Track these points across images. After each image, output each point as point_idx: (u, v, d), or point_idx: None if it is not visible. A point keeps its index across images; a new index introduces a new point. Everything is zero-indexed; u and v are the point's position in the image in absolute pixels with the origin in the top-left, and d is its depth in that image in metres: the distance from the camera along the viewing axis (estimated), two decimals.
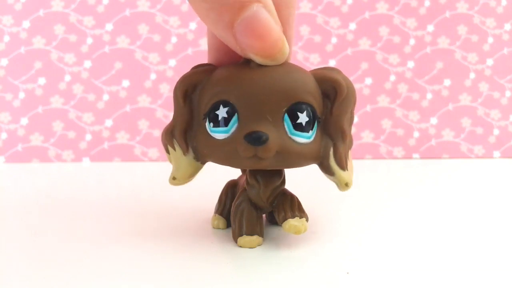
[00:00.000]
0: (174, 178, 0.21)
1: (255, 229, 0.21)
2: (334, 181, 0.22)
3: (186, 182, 0.22)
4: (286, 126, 0.19)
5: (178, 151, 0.21)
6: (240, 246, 0.21)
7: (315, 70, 0.21)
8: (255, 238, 0.21)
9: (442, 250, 0.21)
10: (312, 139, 0.20)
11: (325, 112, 0.21)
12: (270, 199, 0.21)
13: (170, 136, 0.21)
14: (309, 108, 0.20)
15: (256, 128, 0.19)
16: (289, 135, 0.19)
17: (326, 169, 0.21)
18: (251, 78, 0.19)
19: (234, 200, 0.22)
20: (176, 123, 0.21)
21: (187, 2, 0.44)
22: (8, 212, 0.27)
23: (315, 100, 0.20)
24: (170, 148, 0.21)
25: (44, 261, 0.20)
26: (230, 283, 0.18)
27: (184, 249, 0.21)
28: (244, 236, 0.21)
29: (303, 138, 0.20)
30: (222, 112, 0.19)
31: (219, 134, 0.20)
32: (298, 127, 0.19)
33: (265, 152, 0.19)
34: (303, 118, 0.19)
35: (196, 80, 0.21)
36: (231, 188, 0.24)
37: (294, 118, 0.19)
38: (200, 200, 0.29)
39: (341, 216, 0.26)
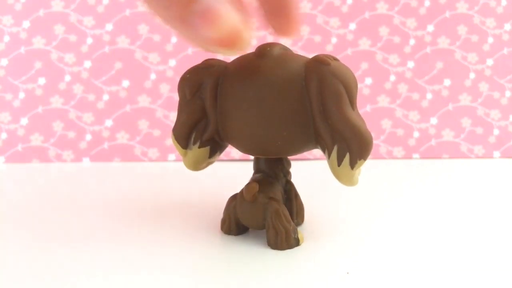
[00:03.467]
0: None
1: None
2: None
3: None
4: None
5: None
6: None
7: None
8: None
9: (442, 250, 0.21)
10: None
11: None
12: None
13: None
14: None
15: None
16: None
17: None
18: None
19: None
20: None
21: None
22: (8, 212, 0.27)
23: None
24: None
25: (44, 261, 0.20)
26: (229, 283, 0.18)
27: (183, 248, 0.21)
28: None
29: None
30: None
31: None
32: None
33: None
34: None
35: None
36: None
37: None
38: (199, 200, 0.29)
39: (341, 216, 0.26)
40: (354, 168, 0.20)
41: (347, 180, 0.20)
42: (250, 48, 0.21)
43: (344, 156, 0.20)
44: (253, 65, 0.21)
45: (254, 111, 0.20)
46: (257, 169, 0.24)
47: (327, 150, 0.21)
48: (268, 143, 0.21)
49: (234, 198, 0.23)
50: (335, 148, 0.20)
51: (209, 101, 0.22)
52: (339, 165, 0.20)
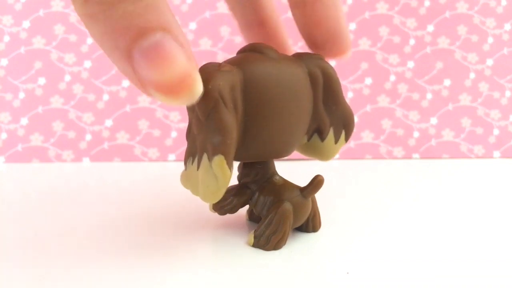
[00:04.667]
0: None
1: None
2: None
3: None
4: None
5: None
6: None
7: None
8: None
9: (442, 250, 0.21)
10: None
11: None
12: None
13: None
14: None
15: None
16: None
17: None
18: None
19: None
20: None
21: (186, 2, 0.44)
22: (8, 212, 0.27)
23: None
24: None
25: (43, 261, 0.20)
26: (229, 283, 0.18)
27: (184, 248, 0.21)
28: None
29: None
30: None
31: None
32: None
33: None
34: None
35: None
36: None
37: None
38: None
39: (341, 216, 0.26)
40: (347, 141, 0.23)
41: (334, 154, 0.23)
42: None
43: (340, 134, 0.23)
44: (270, 67, 0.20)
45: (281, 115, 0.20)
46: (271, 172, 0.23)
47: (320, 134, 0.23)
48: (286, 145, 0.21)
49: (288, 214, 0.21)
50: (331, 129, 0.23)
51: (239, 109, 0.19)
52: (336, 142, 0.23)
